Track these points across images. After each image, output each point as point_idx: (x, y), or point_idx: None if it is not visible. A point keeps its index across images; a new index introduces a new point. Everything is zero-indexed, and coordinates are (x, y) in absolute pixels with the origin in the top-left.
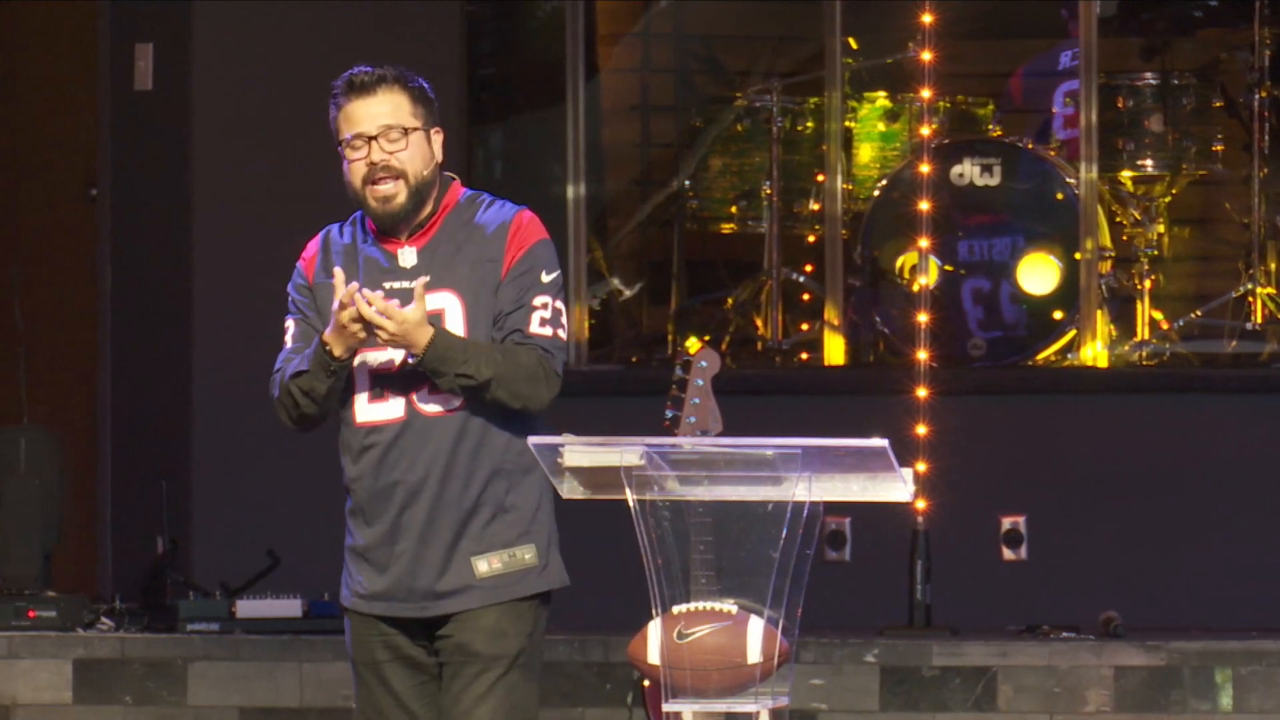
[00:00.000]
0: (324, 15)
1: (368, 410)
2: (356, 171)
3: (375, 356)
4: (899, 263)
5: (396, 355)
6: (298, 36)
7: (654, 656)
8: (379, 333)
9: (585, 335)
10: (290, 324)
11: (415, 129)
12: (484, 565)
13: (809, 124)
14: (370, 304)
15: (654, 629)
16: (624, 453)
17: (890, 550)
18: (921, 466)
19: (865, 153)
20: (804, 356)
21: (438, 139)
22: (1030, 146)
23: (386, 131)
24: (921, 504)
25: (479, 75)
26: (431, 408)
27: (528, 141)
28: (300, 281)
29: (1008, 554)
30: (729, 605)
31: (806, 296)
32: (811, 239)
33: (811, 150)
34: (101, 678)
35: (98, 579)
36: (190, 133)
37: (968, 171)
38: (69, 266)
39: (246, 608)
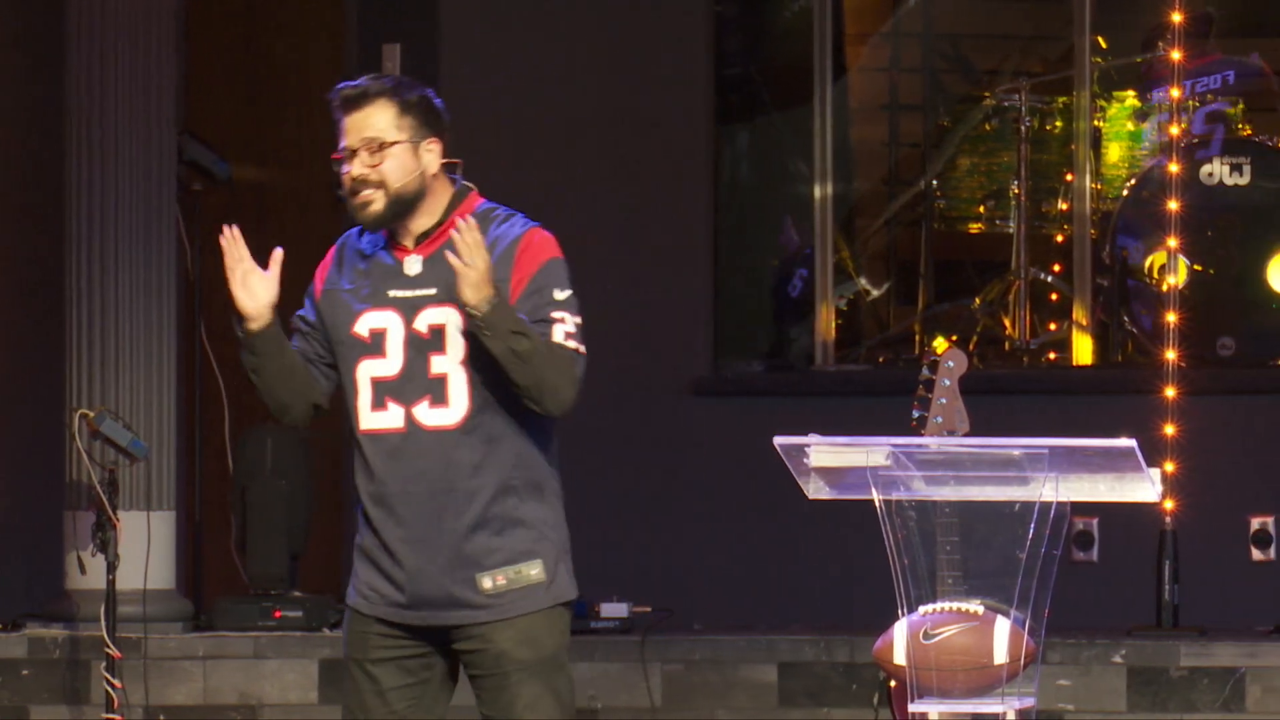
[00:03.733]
0: (572, 16)
1: (370, 418)
2: (345, 183)
3: (376, 365)
4: (1147, 262)
5: (395, 365)
6: (545, 37)
7: (900, 657)
8: (463, 268)
9: (832, 335)
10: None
11: (397, 141)
12: (489, 582)
13: (1057, 123)
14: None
15: (900, 629)
16: (870, 453)
17: (1138, 550)
18: (1169, 467)
19: (1114, 152)
20: (1052, 356)
21: (431, 150)
22: None
23: (368, 144)
24: (1169, 504)
25: (726, 75)
26: (432, 421)
27: (775, 141)
28: (309, 290)
29: (1256, 554)
30: (975, 605)
31: (1054, 296)
32: (1060, 238)
33: (1060, 149)
34: (336, 680)
35: (343, 579)
36: None
37: (1217, 170)
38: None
39: None
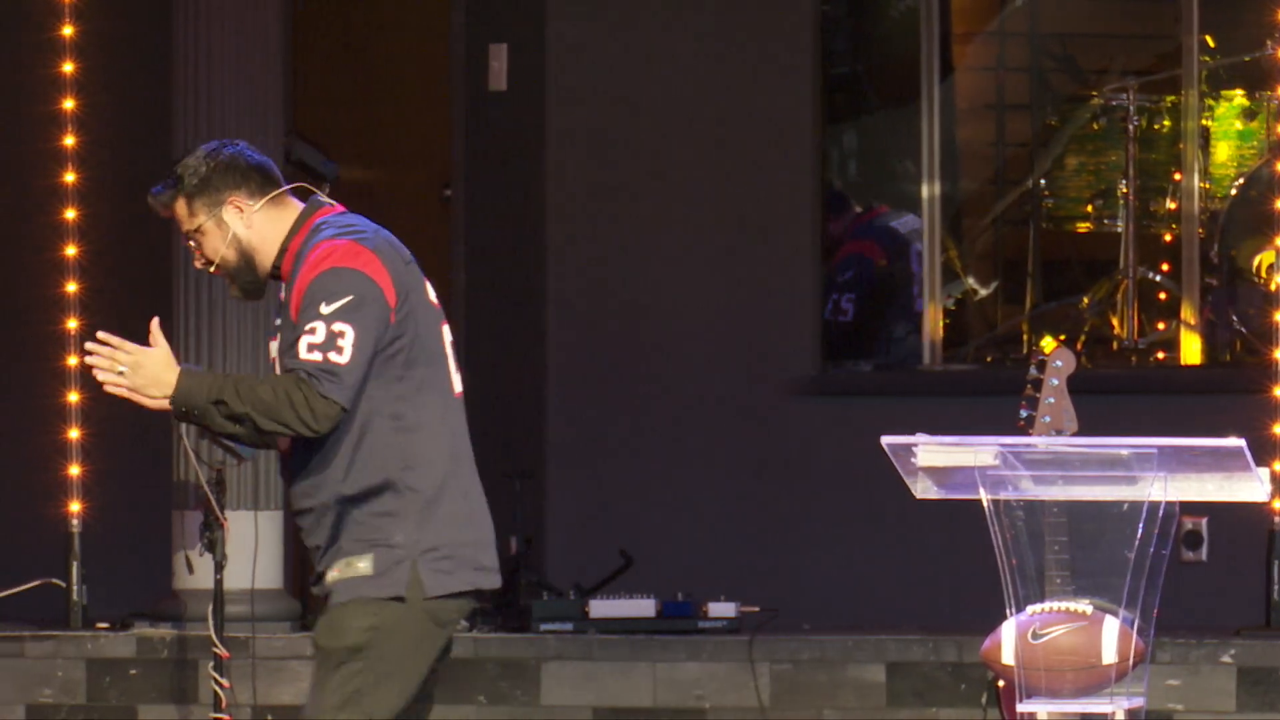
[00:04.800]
0: (677, 15)
1: None
2: None
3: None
4: (1256, 261)
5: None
6: (651, 36)
7: (1008, 656)
8: (114, 382)
9: (940, 335)
10: None
11: (197, 227)
12: (334, 573)
13: (1165, 122)
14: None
15: (1008, 629)
16: (978, 452)
17: (1247, 550)
18: (1278, 466)
19: (1222, 151)
20: (1160, 356)
21: (232, 209)
22: None
23: (187, 238)
24: (1279, 504)
25: (833, 74)
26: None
27: (882, 140)
28: None
29: None
30: (1084, 605)
31: (1163, 296)
32: (1168, 238)
33: (1168, 149)
34: (455, 677)
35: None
36: (544, 134)
37: None
38: (424, 265)
39: (600, 608)
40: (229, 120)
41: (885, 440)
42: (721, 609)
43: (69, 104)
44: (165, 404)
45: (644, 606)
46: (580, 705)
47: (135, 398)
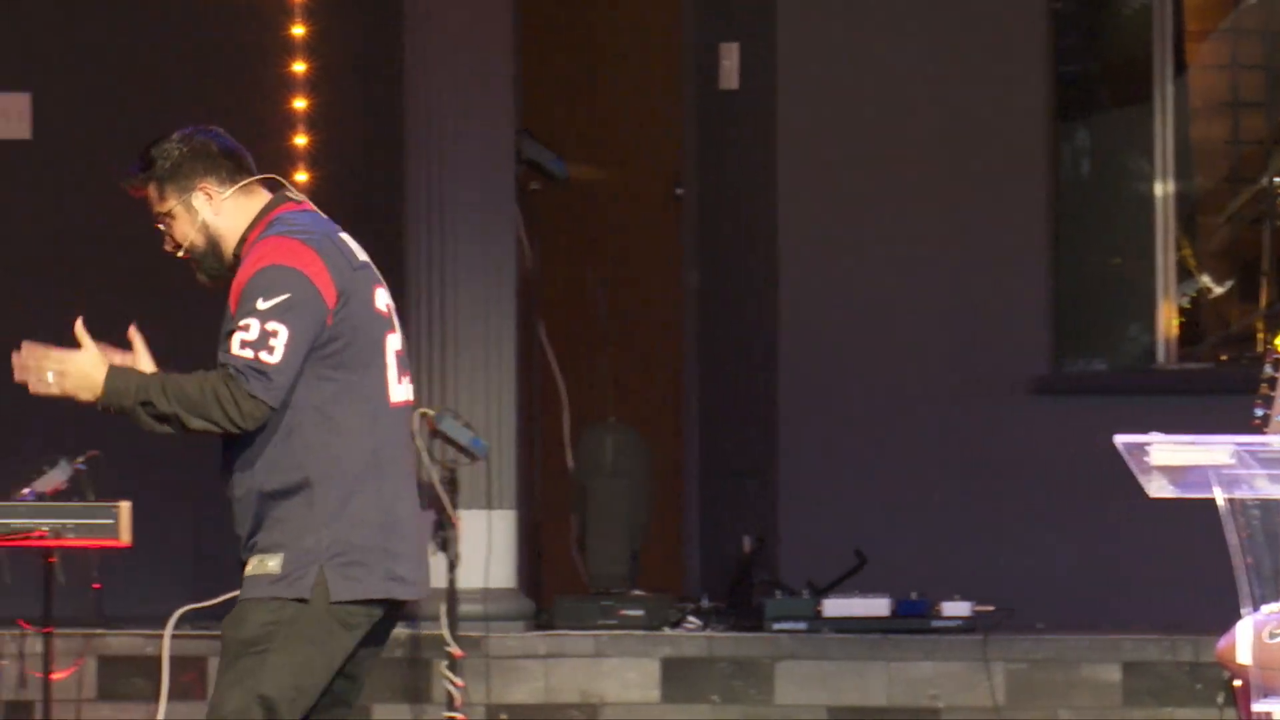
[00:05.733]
0: (909, 13)
1: None
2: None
3: None
4: None
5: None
6: (882, 35)
7: (1244, 656)
8: (37, 386)
9: (1174, 333)
10: None
11: (168, 210)
12: (248, 568)
13: None
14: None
15: (1244, 628)
16: (1213, 451)
17: None
18: None
19: None
20: None
21: (202, 195)
22: None
23: (157, 221)
24: None
25: (1065, 72)
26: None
27: (1115, 138)
28: None
29: None
30: None
31: None
32: None
33: None
34: (688, 676)
35: (684, 578)
36: (775, 132)
37: None
38: (654, 265)
39: (833, 606)
40: (459, 119)
41: (1119, 439)
42: (955, 608)
43: (300, 103)
44: (99, 399)
45: (878, 606)
46: (814, 705)
47: (64, 390)
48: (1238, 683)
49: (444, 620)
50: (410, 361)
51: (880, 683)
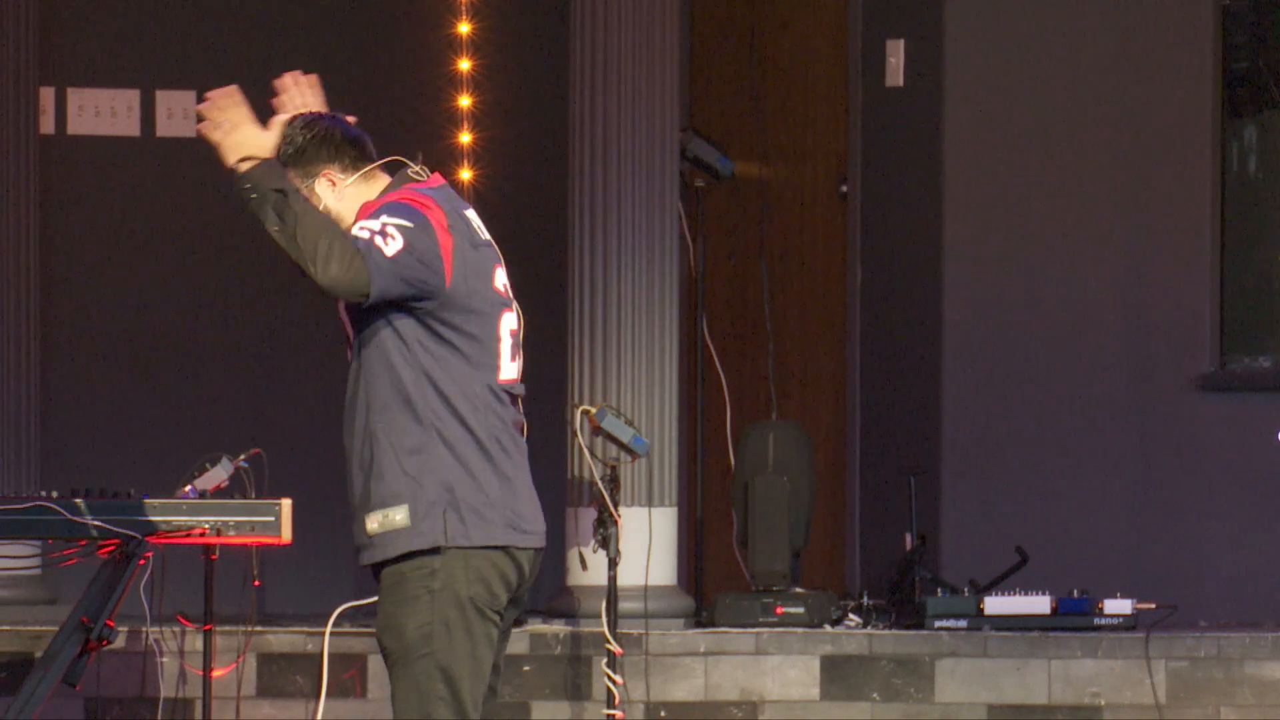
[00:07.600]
0: (1076, 9)
1: None
2: None
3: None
4: None
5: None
6: (1049, 31)
7: None
8: (210, 128)
9: None
10: None
11: (302, 191)
12: (372, 524)
13: None
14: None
15: None
16: None
17: None
18: None
19: None
20: None
21: (325, 181)
22: None
23: None
24: None
25: (1234, 68)
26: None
27: None
28: None
29: None
30: None
31: None
32: None
33: None
34: (849, 674)
35: (845, 575)
36: (941, 129)
37: None
38: (819, 263)
39: (995, 604)
40: (624, 115)
41: None
42: (1117, 605)
43: (465, 101)
44: (239, 167)
45: (1039, 603)
46: (975, 703)
47: (215, 134)
48: None
49: (604, 617)
50: (571, 358)
51: (1041, 681)
